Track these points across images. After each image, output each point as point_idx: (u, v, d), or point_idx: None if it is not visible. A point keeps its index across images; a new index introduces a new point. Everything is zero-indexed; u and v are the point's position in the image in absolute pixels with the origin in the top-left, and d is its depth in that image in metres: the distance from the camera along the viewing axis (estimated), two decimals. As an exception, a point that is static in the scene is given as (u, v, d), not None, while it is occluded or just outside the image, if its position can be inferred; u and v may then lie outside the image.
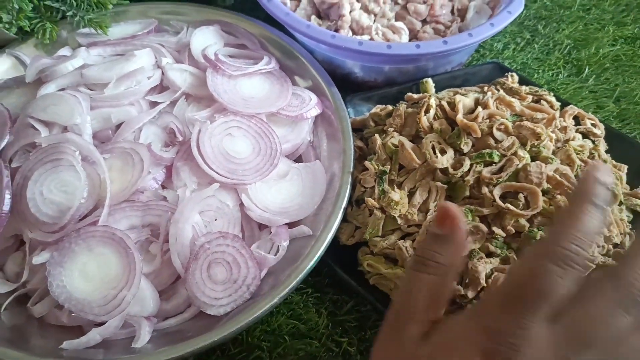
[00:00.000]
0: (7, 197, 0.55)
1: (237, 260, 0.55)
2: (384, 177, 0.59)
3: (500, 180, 0.56)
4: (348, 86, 0.72)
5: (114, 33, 0.72)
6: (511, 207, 0.54)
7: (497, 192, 0.56)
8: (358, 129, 0.69)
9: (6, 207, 0.55)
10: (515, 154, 0.57)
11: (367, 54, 0.65)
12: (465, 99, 0.63)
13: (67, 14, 0.70)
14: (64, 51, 0.70)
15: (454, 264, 0.41)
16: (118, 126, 0.62)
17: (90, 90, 0.63)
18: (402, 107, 0.64)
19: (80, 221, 0.55)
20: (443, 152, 0.59)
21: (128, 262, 0.53)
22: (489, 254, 0.54)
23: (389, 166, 0.60)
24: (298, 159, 0.66)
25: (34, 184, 0.56)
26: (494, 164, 0.57)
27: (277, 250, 0.57)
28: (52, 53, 0.72)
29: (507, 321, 0.35)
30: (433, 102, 0.63)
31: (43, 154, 0.57)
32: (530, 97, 0.66)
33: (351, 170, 0.61)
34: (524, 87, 0.67)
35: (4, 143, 0.60)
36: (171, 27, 0.75)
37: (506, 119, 0.60)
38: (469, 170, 0.57)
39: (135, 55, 0.64)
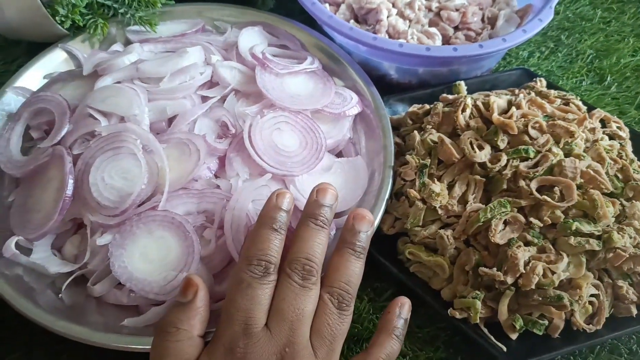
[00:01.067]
0: (70, 182, 0.58)
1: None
2: (424, 170, 0.63)
3: (537, 174, 0.59)
4: (383, 87, 0.75)
5: (162, 31, 0.75)
6: (548, 199, 0.57)
7: (533, 185, 0.59)
8: (394, 127, 0.73)
9: (69, 191, 0.58)
10: (549, 150, 0.61)
11: (407, 55, 0.68)
12: (499, 100, 0.67)
13: (119, 11, 0.74)
14: (117, 47, 0.74)
15: (195, 327, 0.47)
16: (171, 119, 0.65)
17: (145, 84, 0.66)
18: (440, 106, 0.68)
19: (140, 206, 0.58)
20: (480, 147, 0.63)
21: (187, 245, 0.56)
22: (527, 243, 0.57)
23: (429, 160, 0.64)
24: (339, 155, 0.70)
25: (95, 170, 0.58)
26: (529, 160, 0.61)
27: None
28: (101, 49, 0.75)
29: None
30: (469, 101, 0.66)
31: (105, 142, 0.60)
32: (558, 101, 0.70)
33: (392, 164, 0.64)
34: (552, 91, 0.71)
35: (64, 131, 0.63)
36: (215, 27, 0.78)
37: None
38: (506, 165, 0.61)
39: (188, 52, 0.67)
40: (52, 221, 0.57)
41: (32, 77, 0.72)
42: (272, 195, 0.50)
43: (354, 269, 0.49)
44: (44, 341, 0.59)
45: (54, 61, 0.73)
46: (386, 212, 0.64)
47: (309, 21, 0.81)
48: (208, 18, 0.78)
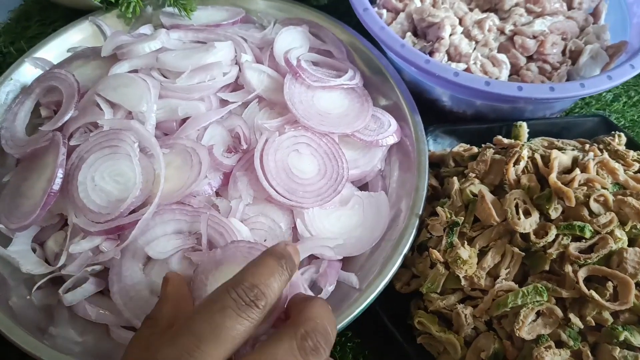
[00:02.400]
0: (59, 175, 0.53)
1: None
2: (455, 229, 0.53)
3: (589, 261, 0.49)
4: (432, 114, 0.66)
5: (199, 17, 0.68)
6: (595, 296, 0.47)
7: (582, 273, 0.49)
8: (434, 163, 0.63)
9: (56, 186, 0.53)
10: (611, 233, 0.50)
11: (462, 87, 0.58)
12: (562, 156, 0.56)
13: (156, -10, 0.68)
14: (145, 29, 0.68)
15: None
16: (183, 120, 0.59)
17: (163, 76, 0.60)
18: (489, 152, 0.58)
19: (127, 216, 0.52)
20: (527, 213, 0.53)
21: None
22: (559, 343, 0.47)
23: (462, 217, 0.54)
24: (364, 187, 0.61)
25: (87, 168, 0.53)
26: (584, 240, 0.50)
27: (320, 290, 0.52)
28: (134, 28, 0.69)
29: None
30: (525, 153, 0.56)
31: (103, 137, 0.54)
32: (637, 165, 0.58)
33: (420, 212, 0.55)
34: (631, 152, 0.59)
35: (67, 117, 0.58)
36: (258, 19, 0.71)
37: (606, 188, 0.53)
38: (554, 241, 0.50)
39: (215, 47, 0.60)
40: (34, 215, 0.53)
41: (56, 48, 0.67)
42: (280, 242, 0.42)
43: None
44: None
45: (82, 34, 0.69)
46: (403, 265, 0.56)
47: (362, 26, 0.72)
48: (252, 8, 0.71)
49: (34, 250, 0.56)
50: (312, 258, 0.55)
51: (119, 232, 0.51)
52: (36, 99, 0.63)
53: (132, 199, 0.51)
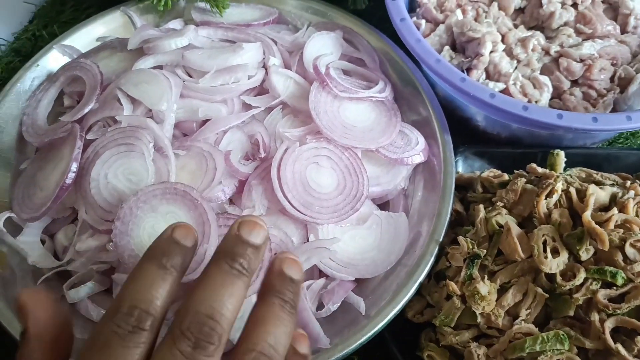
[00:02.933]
0: (73, 169, 0.52)
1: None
2: (476, 262, 0.50)
3: (619, 311, 0.45)
4: (464, 132, 0.63)
5: (230, 14, 0.66)
6: (622, 351, 0.44)
7: (609, 324, 0.45)
8: (461, 186, 0.60)
9: (69, 180, 0.52)
10: (646, 283, 0.46)
11: (498, 109, 0.55)
12: (599, 192, 0.52)
13: (191, -17, 0.66)
14: (175, 24, 0.66)
15: None
16: (203, 122, 0.57)
17: (188, 74, 0.59)
18: (520, 182, 0.54)
19: (138, 216, 0.50)
20: (555, 252, 0.49)
21: (199, 214, 0.49)
22: (578, 397, 0.44)
23: (485, 249, 0.51)
24: (384, 205, 0.58)
25: (101, 164, 0.52)
26: (614, 287, 0.47)
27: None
28: (164, 21, 0.68)
29: None
30: (560, 186, 0.52)
31: (119, 134, 0.53)
32: (682, 209, 0.54)
33: (440, 239, 0.52)
34: (677, 194, 0.55)
35: (87, 109, 0.57)
36: (292, 20, 0.69)
37: (645, 233, 0.49)
38: (582, 285, 0.47)
39: (243, 48, 0.58)
40: (45, 207, 0.52)
41: (85, 36, 0.66)
42: (167, 228, 0.36)
43: (284, 327, 0.34)
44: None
45: (112, 24, 0.68)
46: (418, 293, 0.53)
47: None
48: (286, 9, 0.68)
49: (43, 242, 0.55)
50: (325, 275, 0.52)
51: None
52: (60, 87, 0.62)
53: None
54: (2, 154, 0.59)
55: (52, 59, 0.64)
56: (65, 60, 0.65)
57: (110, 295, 0.53)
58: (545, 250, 0.49)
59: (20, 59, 0.74)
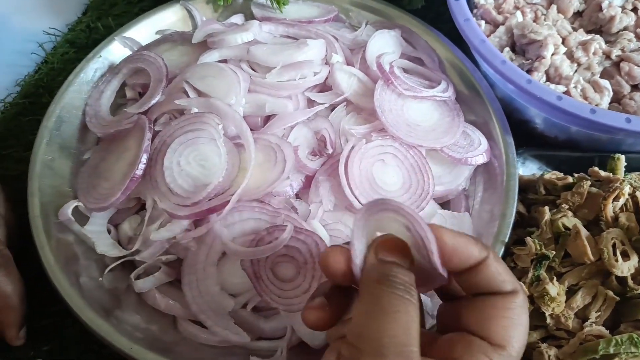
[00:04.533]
0: (144, 160, 0.52)
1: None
2: (543, 263, 0.50)
3: (692, 317, 0.45)
4: (520, 135, 0.63)
5: (289, 11, 0.67)
6: (698, 356, 0.43)
7: (682, 329, 0.45)
8: (521, 189, 0.60)
9: (139, 171, 0.52)
10: None
11: (564, 112, 0.55)
12: (666, 196, 0.52)
13: (251, -21, 0.66)
14: (236, 19, 0.66)
15: None
16: (267, 117, 0.57)
17: (252, 69, 0.59)
18: (586, 184, 0.54)
19: (211, 200, 0.51)
20: (625, 255, 0.49)
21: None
22: (652, 401, 0.44)
23: (552, 250, 0.51)
24: (444, 205, 0.58)
25: (172, 153, 0.52)
26: (687, 292, 0.47)
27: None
28: (223, 16, 0.68)
29: None
30: (627, 190, 0.52)
31: (185, 122, 0.54)
32: None
33: (506, 240, 0.53)
34: None
35: (154, 101, 0.57)
36: (349, 18, 0.69)
37: None
38: (653, 289, 0.47)
39: (308, 44, 0.59)
40: (114, 197, 0.52)
41: (145, 29, 0.67)
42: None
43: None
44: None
45: (171, 18, 0.68)
46: (481, 293, 0.53)
47: (455, 33, 0.69)
48: (344, 6, 0.68)
49: (109, 232, 0.55)
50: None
51: (208, 215, 0.50)
52: (123, 79, 0.62)
53: (218, 178, 0.50)
54: (65, 143, 0.59)
55: (114, 51, 0.65)
56: (126, 52, 0.65)
57: (174, 286, 0.53)
58: (615, 254, 0.49)
59: (75, 50, 0.74)
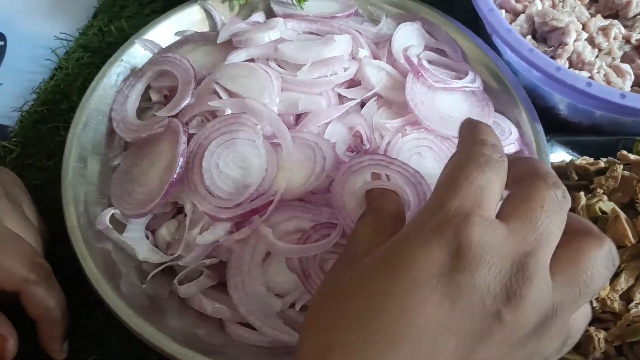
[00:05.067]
0: (181, 164, 0.52)
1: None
2: (585, 248, 0.51)
3: None
4: (543, 122, 0.63)
5: (309, 7, 0.66)
6: None
7: None
8: (550, 175, 0.61)
9: (177, 175, 0.52)
10: None
11: (594, 98, 0.56)
12: (696, 178, 0.53)
13: (269, -25, 0.66)
14: (258, 17, 0.66)
15: None
16: (297, 115, 0.57)
17: (280, 67, 0.59)
18: (619, 168, 0.55)
19: (253, 201, 0.50)
20: (664, 236, 0.50)
21: None
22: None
23: (593, 235, 0.52)
24: (478, 194, 0.59)
25: (210, 155, 0.52)
26: None
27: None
28: (241, 14, 0.68)
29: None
30: (659, 172, 0.53)
31: (221, 123, 0.53)
32: None
33: (545, 227, 0.53)
34: None
35: (184, 103, 0.56)
36: (367, 12, 0.69)
37: None
38: (695, 269, 0.48)
39: (335, 40, 0.58)
40: (154, 203, 0.52)
41: (164, 31, 0.66)
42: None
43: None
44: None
45: (190, 18, 0.67)
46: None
47: (470, 23, 0.69)
48: (362, 2, 0.68)
49: (147, 238, 0.55)
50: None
51: (251, 216, 0.50)
52: (147, 82, 0.61)
53: (259, 178, 0.50)
54: (94, 150, 0.59)
55: (135, 54, 0.64)
56: (147, 54, 0.64)
57: (217, 289, 0.53)
58: (655, 235, 0.50)
59: (89, 54, 0.73)
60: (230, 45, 0.61)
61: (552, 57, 0.63)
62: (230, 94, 0.56)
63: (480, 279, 0.30)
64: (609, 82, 0.62)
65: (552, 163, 0.61)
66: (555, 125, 0.66)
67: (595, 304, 0.49)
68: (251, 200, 0.50)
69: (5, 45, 0.73)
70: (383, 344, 0.30)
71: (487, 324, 0.30)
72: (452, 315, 0.30)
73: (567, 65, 0.63)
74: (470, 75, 0.60)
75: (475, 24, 0.70)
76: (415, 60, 0.58)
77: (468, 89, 0.59)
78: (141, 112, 0.62)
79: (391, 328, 0.30)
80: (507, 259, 0.31)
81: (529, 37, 0.65)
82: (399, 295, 0.31)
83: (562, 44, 0.63)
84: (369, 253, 0.36)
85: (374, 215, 0.42)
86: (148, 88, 0.62)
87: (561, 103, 0.64)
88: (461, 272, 0.30)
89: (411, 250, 0.32)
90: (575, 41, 0.63)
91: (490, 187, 0.33)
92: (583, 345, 0.49)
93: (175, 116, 0.56)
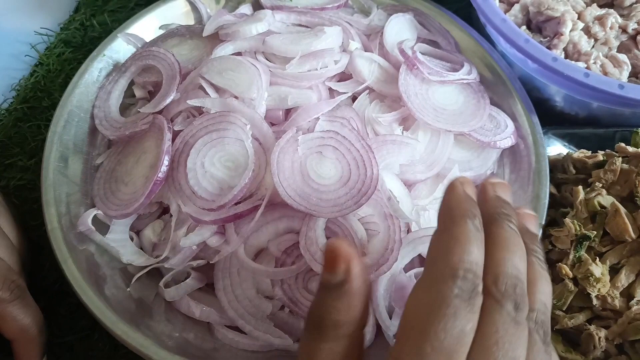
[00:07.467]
0: (165, 162, 0.50)
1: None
2: (584, 243, 0.50)
3: None
4: (540, 114, 0.62)
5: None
6: None
7: None
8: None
9: (162, 174, 0.50)
10: None
11: (592, 89, 0.54)
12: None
13: (255, -32, 0.64)
14: (245, 9, 0.64)
15: (355, 321, 0.32)
16: (287, 110, 0.55)
17: (269, 61, 0.57)
18: (618, 161, 0.54)
19: (237, 204, 0.48)
20: (665, 231, 0.49)
21: None
22: None
23: (593, 231, 0.50)
24: (474, 189, 0.57)
25: (196, 154, 0.50)
26: None
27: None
28: (229, 7, 0.66)
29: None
30: (659, 164, 0.52)
31: (209, 121, 0.51)
32: None
33: (543, 222, 0.52)
34: None
35: (169, 99, 0.54)
36: (358, 4, 0.67)
37: None
38: (697, 262, 0.47)
39: (325, 32, 0.57)
40: (138, 203, 0.50)
41: (148, 25, 0.64)
42: (454, 182, 0.35)
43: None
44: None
45: (175, 11, 0.65)
46: (521, 277, 0.52)
47: (462, 13, 0.68)
48: (353, -8, 0.66)
49: (131, 239, 0.53)
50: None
51: (236, 220, 0.48)
52: (131, 77, 0.59)
53: (244, 180, 0.47)
54: (75, 148, 0.56)
55: (117, 49, 0.61)
56: (130, 49, 0.62)
57: (204, 291, 0.51)
58: (656, 229, 0.48)
59: (71, 50, 0.71)
60: (216, 38, 0.59)
61: (548, 48, 0.62)
62: (217, 89, 0.54)
63: None
64: (605, 73, 0.61)
65: (549, 156, 0.59)
66: (550, 117, 0.65)
67: (595, 301, 0.48)
68: (236, 203, 0.48)
69: (-18, 41, 0.71)
70: None
71: None
72: None
73: (563, 55, 0.62)
74: (467, 67, 0.59)
75: (467, 13, 0.68)
76: (409, 53, 0.57)
77: (465, 81, 0.58)
78: (125, 108, 0.60)
79: None
80: None
81: (524, 27, 0.63)
82: None
83: (557, 34, 0.61)
84: None
85: None
86: (132, 84, 0.60)
87: (557, 94, 0.62)
88: None
89: None
90: (571, 31, 0.61)
91: (461, 346, 0.30)
92: (583, 344, 0.48)
93: (160, 112, 0.54)
